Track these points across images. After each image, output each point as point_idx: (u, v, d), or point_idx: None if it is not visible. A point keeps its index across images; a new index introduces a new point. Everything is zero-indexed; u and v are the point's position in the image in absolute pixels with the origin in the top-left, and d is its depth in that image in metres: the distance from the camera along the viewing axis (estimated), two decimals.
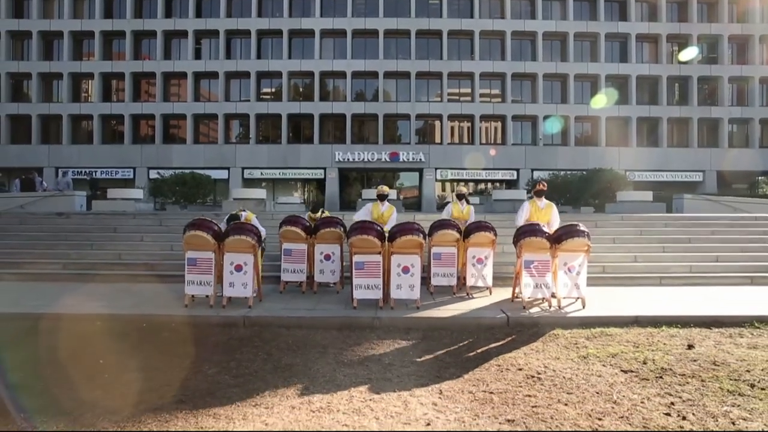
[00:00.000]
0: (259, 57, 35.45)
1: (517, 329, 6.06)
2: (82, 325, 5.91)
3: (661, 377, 4.34)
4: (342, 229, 7.82)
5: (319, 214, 8.68)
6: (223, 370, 4.50)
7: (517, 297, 7.24)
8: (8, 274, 8.68)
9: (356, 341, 5.56)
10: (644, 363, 4.72)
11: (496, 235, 7.75)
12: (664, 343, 5.38)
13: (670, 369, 4.54)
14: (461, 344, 5.50)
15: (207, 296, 6.69)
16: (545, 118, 34.77)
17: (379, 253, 6.71)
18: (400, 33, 35.16)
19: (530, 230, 6.78)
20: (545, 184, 7.89)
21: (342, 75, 35.10)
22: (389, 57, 35.24)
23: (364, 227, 6.68)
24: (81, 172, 33.92)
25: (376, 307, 6.70)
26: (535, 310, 6.75)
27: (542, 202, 7.74)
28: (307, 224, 7.94)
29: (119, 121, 35.49)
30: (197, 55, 35.58)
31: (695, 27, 35.21)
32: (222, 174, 33.52)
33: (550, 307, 6.80)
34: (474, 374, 4.49)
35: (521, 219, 7.53)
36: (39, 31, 34.83)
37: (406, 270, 6.62)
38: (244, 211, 7.61)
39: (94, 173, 33.24)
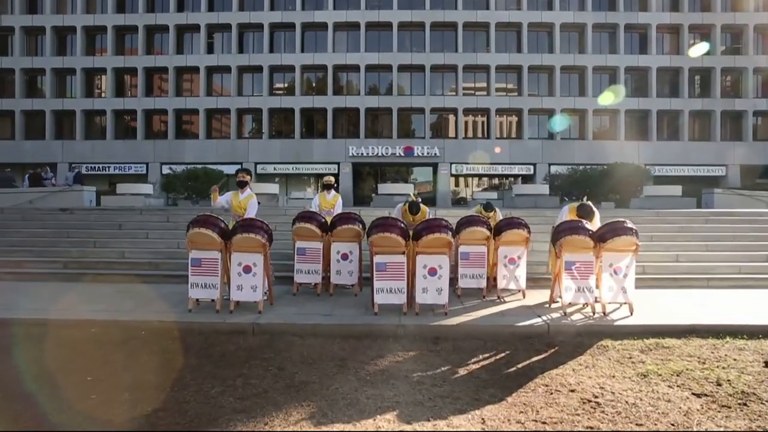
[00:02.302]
0: (271, 51, 34.91)
1: (559, 339, 5.38)
2: (75, 333, 5.34)
3: (744, 404, 3.64)
4: (361, 226, 7.16)
5: (332, 198, 8.16)
6: (227, 390, 3.90)
7: (554, 301, 6.55)
8: (6, 273, 8.15)
9: (378, 353, 4.92)
10: (718, 384, 4.02)
11: (529, 232, 7.06)
12: (735, 359, 4.67)
13: (753, 393, 3.84)
14: (498, 357, 4.85)
15: (213, 300, 6.09)
16: (561, 111, 33.80)
17: (403, 253, 6.04)
18: (415, 25, 34.36)
19: (571, 227, 6.07)
20: (591, 206, 6.72)
21: (355, 68, 34.42)
22: (403, 50, 34.45)
23: (386, 224, 6.01)
24: (95, 167, 33.82)
25: (400, 312, 6.04)
26: (576, 316, 6.06)
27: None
28: (323, 221, 7.27)
29: (132, 117, 35.21)
30: (210, 49, 35.13)
31: (718, 17, 33.92)
32: (235, 169, 32.85)
33: (593, 313, 6.09)
34: (519, 397, 3.83)
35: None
36: (52, 26, 34.62)
37: (432, 272, 5.94)
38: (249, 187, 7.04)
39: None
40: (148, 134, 35.16)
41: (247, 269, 5.95)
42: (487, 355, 4.90)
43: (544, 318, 5.90)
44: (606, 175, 21.80)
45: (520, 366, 4.59)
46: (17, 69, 34.42)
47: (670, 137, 34.65)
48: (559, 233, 6.14)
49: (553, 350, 5.05)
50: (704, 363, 4.56)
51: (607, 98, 32.99)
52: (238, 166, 32.51)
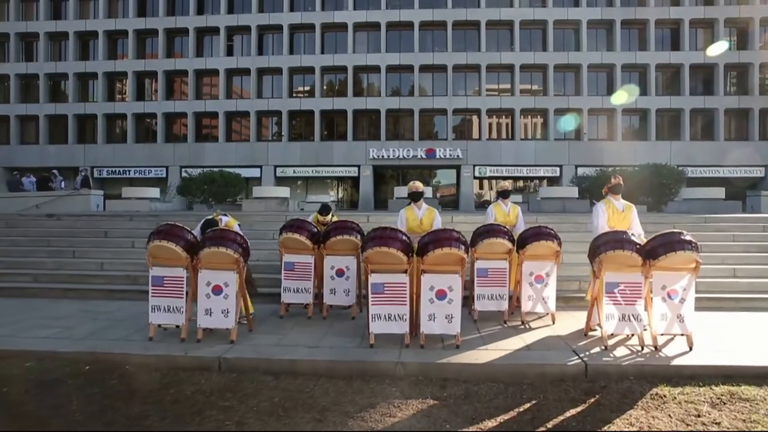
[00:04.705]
0: (291, 52, 34.36)
1: (600, 384, 4.23)
2: (3, 368, 4.44)
3: None
4: (359, 237, 6.13)
5: (330, 217, 6.98)
6: None
7: (592, 329, 5.41)
8: None
9: (370, 400, 3.89)
10: None
11: (560, 244, 5.93)
12: None
13: None
14: (522, 408, 3.76)
15: (178, 326, 5.13)
16: (588, 110, 32.30)
17: (405, 271, 4.96)
18: (436, 25, 33.36)
19: (614, 240, 4.91)
20: (620, 178, 5.81)
21: (376, 69, 33.60)
22: (425, 50, 33.47)
23: (383, 236, 4.94)
24: (115, 171, 33.89)
25: (401, 344, 4.97)
26: (620, 351, 4.88)
27: (620, 202, 5.81)
28: (314, 231, 6.25)
29: (152, 120, 35.09)
30: (229, 51, 34.79)
31: (757, 9, 31.98)
32: (254, 172, 32.57)
33: (642, 347, 4.90)
34: None
35: (600, 226, 5.64)
36: (75, 31, 34.81)
37: (441, 295, 4.87)
38: (224, 215, 6.04)
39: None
40: (169, 137, 34.98)
41: (216, 290, 4.96)
42: (507, 405, 3.82)
43: (581, 353, 4.77)
44: (636, 176, 20.32)
45: (551, 425, 3.50)
46: (41, 74, 34.75)
47: (704, 137, 32.93)
48: (599, 247, 4.98)
49: (593, 400, 3.93)
50: None
51: (621, 97, 31.40)
52: (258, 170, 32.57)
